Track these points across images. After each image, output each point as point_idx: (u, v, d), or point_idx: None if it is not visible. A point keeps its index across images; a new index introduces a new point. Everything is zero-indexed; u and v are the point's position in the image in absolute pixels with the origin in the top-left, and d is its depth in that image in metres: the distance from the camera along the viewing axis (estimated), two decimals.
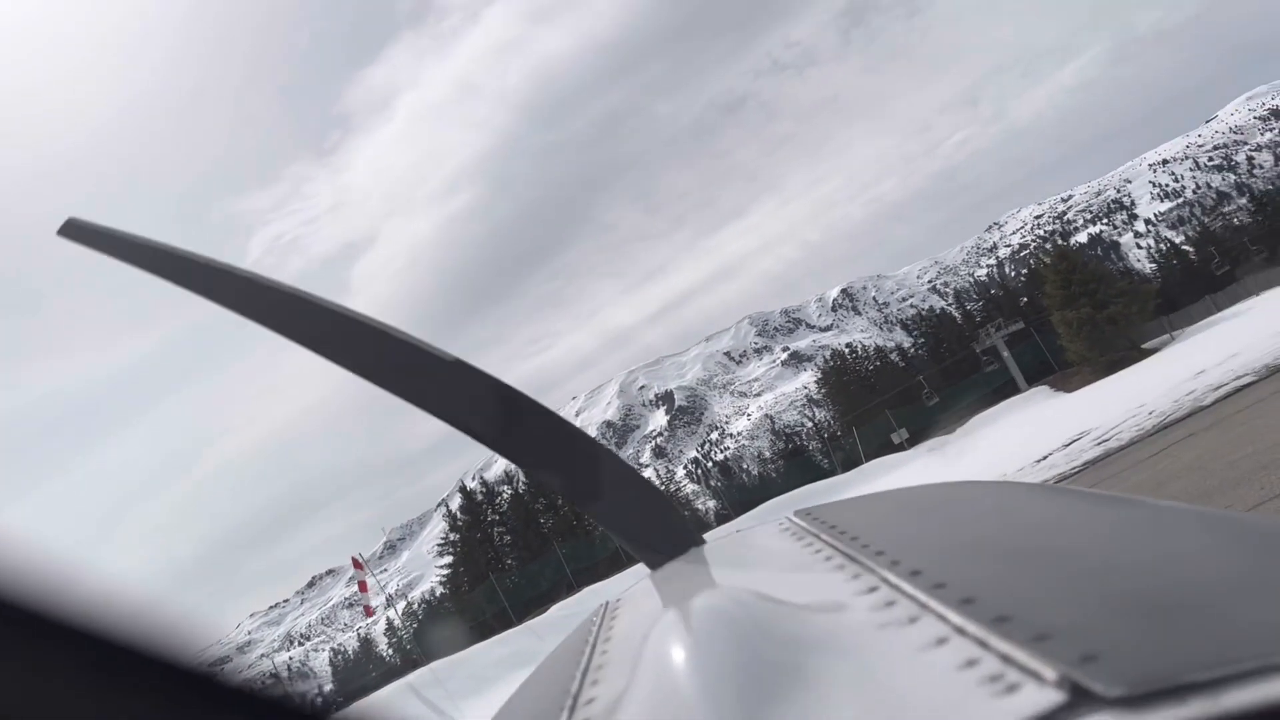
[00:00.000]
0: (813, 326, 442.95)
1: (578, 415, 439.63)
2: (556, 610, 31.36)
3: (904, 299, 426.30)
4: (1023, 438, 23.23)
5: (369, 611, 30.22)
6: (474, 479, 71.14)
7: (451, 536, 66.43)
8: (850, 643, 0.56)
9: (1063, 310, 39.17)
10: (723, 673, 0.54)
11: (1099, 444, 15.63)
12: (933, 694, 0.48)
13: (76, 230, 1.52)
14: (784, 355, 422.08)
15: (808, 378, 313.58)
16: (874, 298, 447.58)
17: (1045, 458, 16.63)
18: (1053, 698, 0.42)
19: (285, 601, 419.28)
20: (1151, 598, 0.51)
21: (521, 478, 68.73)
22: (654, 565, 1.26)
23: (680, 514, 1.31)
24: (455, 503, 67.19)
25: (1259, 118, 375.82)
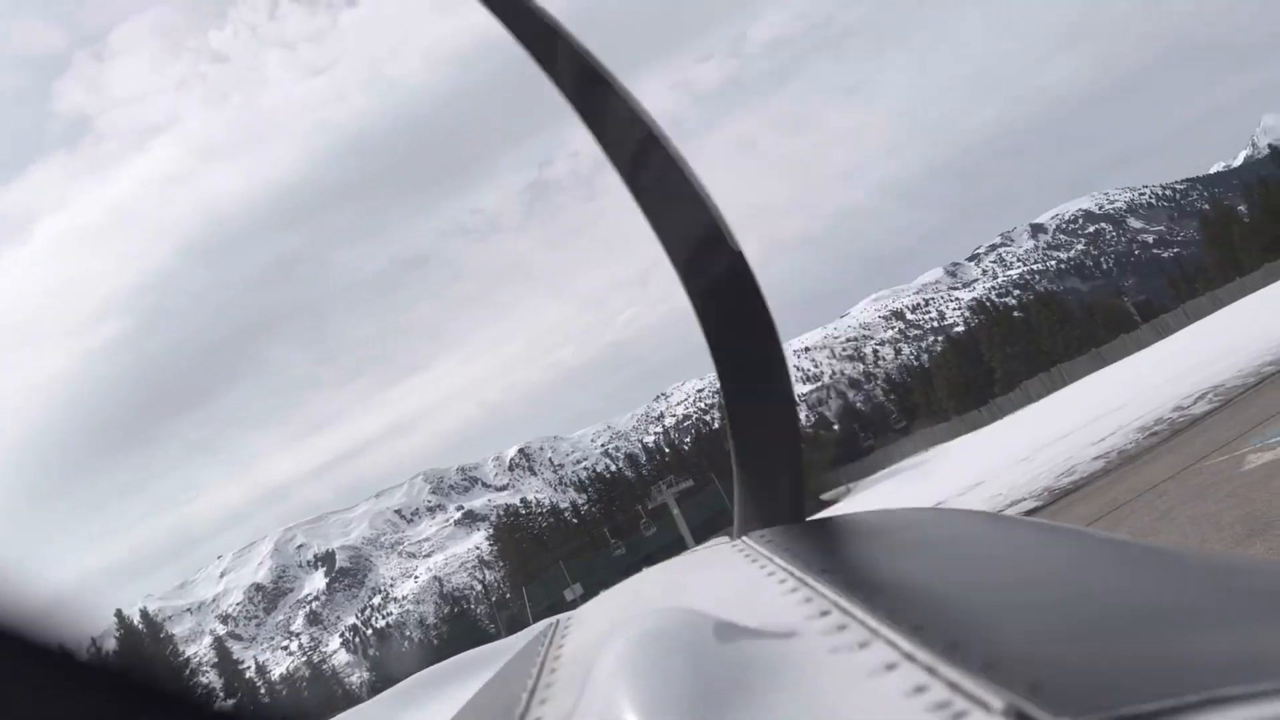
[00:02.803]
0: (489, 485, 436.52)
1: (223, 577, 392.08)
2: None
3: (578, 461, 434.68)
4: None
5: None
6: None
7: None
8: (800, 667, 0.56)
9: None
10: (670, 695, 0.54)
11: None
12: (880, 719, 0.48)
13: None
14: (458, 514, 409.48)
15: (481, 537, 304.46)
16: (550, 459, 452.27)
17: None
18: None
19: None
20: (1100, 629, 0.51)
21: None
22: (742, 531, 1.18)
23: (801, 487, 1.24)
24: None
25: (882, 316, 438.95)
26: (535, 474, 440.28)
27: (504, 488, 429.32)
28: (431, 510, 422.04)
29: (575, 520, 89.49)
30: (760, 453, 1.24)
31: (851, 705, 0.50)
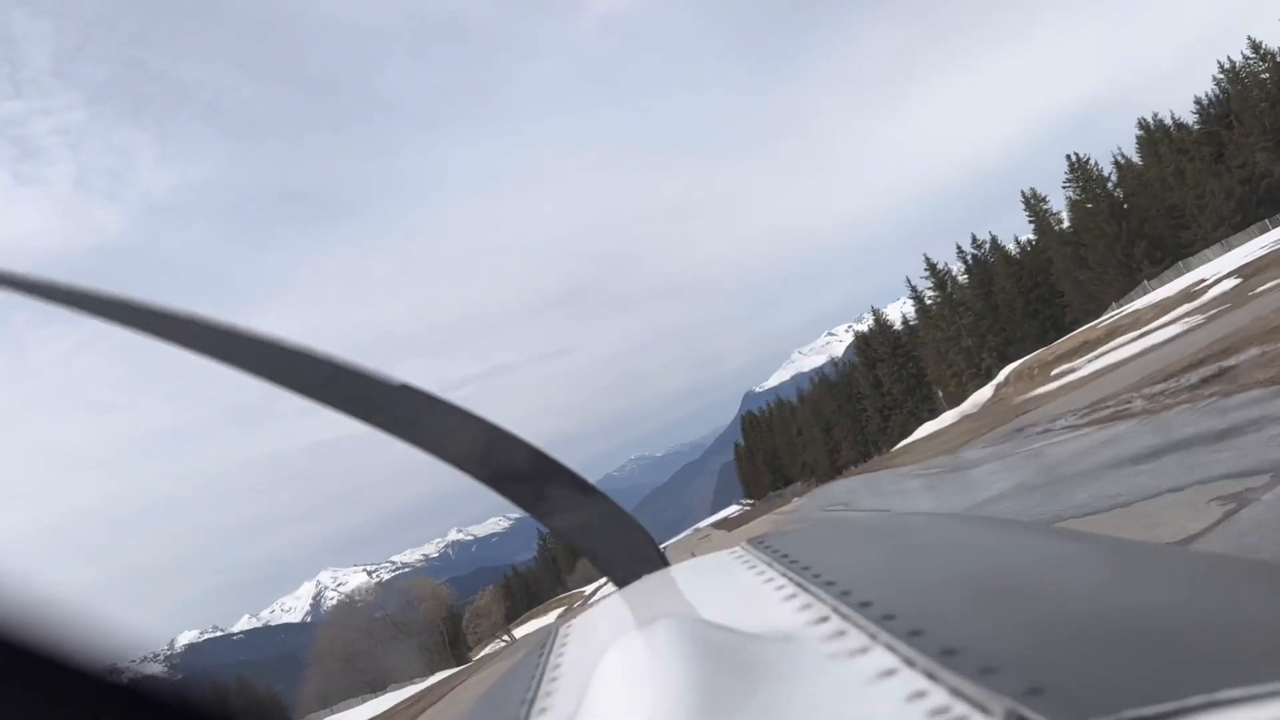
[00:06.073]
0: None
1: None
2: None
3: None
4: None
5: None
6: None
7: None
8: (799, 674, 0.56)
9: None
10: (670, 703, 0.54)
11: None
12: None
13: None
14: None
15: None
16: None
17: None
18: None
19: None
20: (1099, 631, 0.51)
21: None
22: (621, 583, 1.27)
23: (645, 534, 1.35)
24: None
25: None
26: None
27: None
28: None
29: None
30: (561, 517, 1.35)
31: (851, 712, 0.50)
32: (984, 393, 46.04)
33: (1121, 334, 33.36)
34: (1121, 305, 52.46)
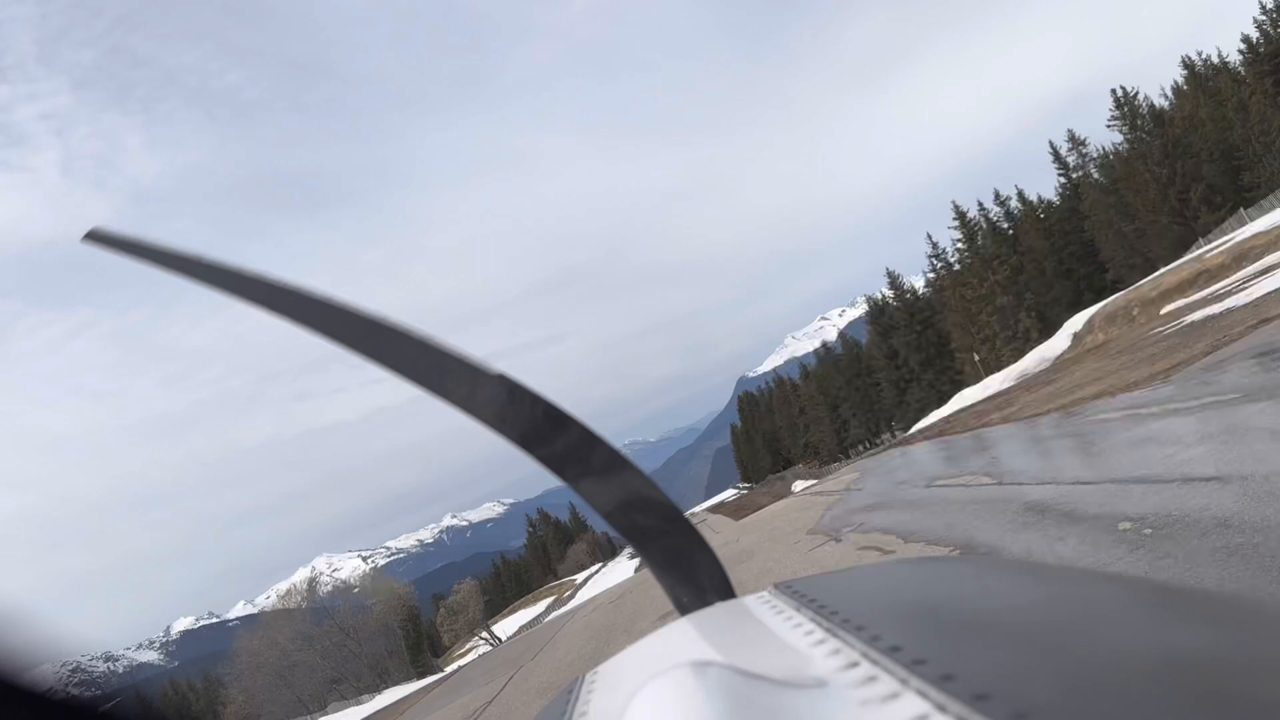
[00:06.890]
0: None
1: None
2: None
3: None
4: None
5: None
6: None
7: None
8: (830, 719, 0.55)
9: None
10: None
11: None
12: None
13: (102, 238, 1.50)
14: None
15: None
16: None
17: None
18: None
19: None
20: (1132, 676, 0.50)
21: None
22: (684, 610, 1.20)
23: (716, 562, 1.23)
24: None
25: None
26: None
27: None
28: None
29: None
30: (641, 535, 1.20)
31: None
32: (1055, 344, 38.00)
33: (1258, 256, 25.80)
34: (1212, 241, 44.87)
